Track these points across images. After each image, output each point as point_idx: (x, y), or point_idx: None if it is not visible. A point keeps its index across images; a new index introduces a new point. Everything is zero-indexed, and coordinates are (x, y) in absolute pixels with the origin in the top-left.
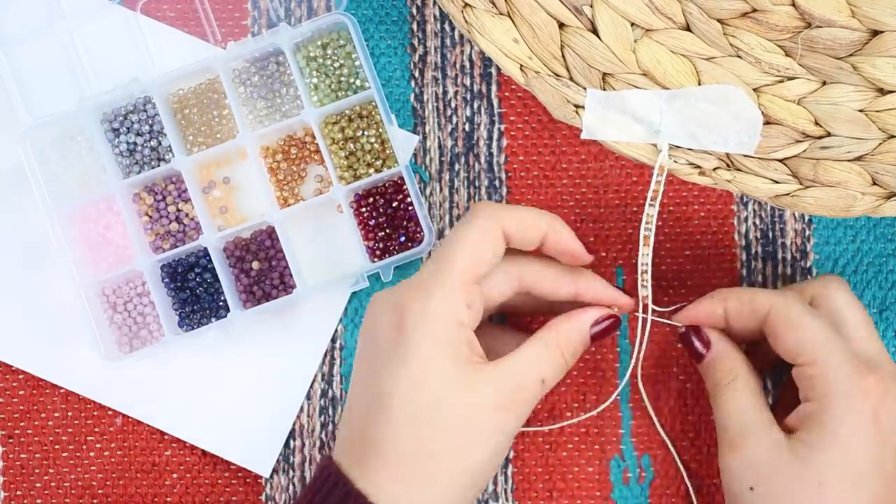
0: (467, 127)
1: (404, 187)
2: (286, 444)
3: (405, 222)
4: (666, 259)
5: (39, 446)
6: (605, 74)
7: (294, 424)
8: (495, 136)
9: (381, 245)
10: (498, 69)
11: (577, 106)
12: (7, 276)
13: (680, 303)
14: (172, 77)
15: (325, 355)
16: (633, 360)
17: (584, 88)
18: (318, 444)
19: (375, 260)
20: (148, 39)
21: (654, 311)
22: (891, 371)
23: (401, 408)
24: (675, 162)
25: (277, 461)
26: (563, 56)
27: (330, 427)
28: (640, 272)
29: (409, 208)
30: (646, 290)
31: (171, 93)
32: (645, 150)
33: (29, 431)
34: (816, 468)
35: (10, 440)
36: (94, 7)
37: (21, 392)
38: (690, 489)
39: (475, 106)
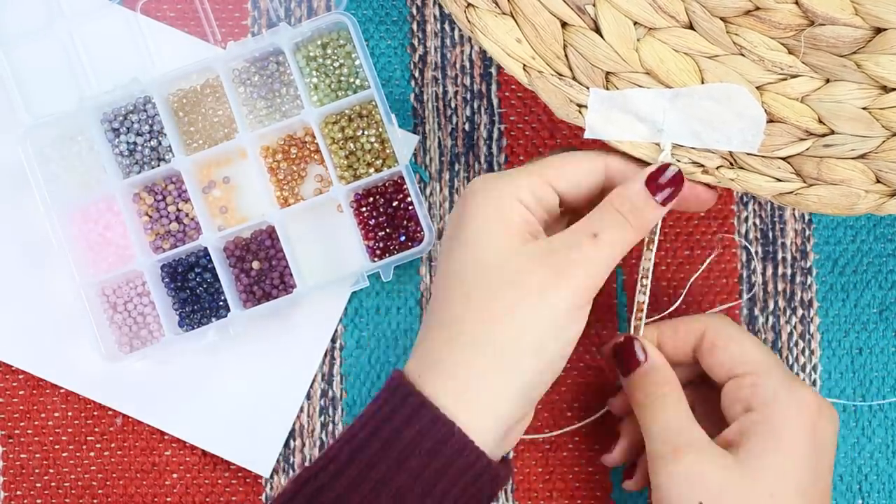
0: (467, 127)
1: (404, 187)
2: (286, 445)
3: (405, 222)
4: (666, 259)
5: (39, 446)
6: (608, 73)
7: (294, 424)
8: (495, 135)
9: (381, 244)
10: (498, 69)
11: (580, 105)
12: (7, 275)
13: (679, 307)
14: (172, 77)
15: (326, 355)
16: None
17: (588, 88)
18: (318, 444)
19: (376, 259)
20: (148, 39)
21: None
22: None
23: (457, 276)
24: (679, 161)
25: (277, 461)
26: (566, 55)
27: (330, 427)
28: (640, 276)
29: (410, 208)
30: (643, 296)
31: (171, 93)
32: (648, 150)
33: (29, 431)
34: (766, 479)
35: (10, 440)
36: (93, 7)
37: (21, 392)
38: None
39: (475, 106)
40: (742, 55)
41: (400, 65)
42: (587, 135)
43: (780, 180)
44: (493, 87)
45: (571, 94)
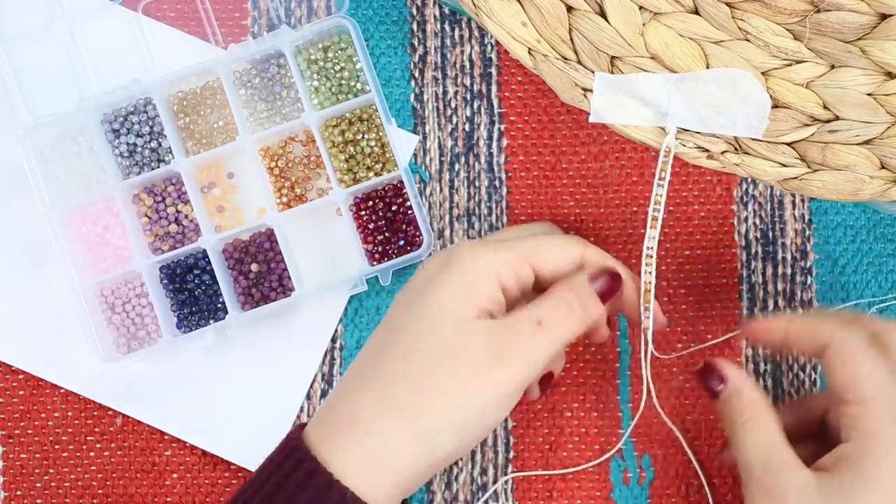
0: (467, 127)
1: (404, 191)
2: None
3: (404, 226)
4: (666, 259)
5: (39, 446)
6: (613, 58)
7: (294, 424)
8: (495, 135)
9: (380, 248)
10: (498, 69)
11: (585, 89)
12: (7, 275)
13: (680, 303)
14: (173, 78)
15: (326, 355)
16: (643, 346)
17: (593, 72)
18: None
19: (374, 263)
20: (149, 40)
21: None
22: None
23: (407, 331)
24: (683, 145)
25: None
26: (571, 39)
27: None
28: (644, 255)
29: (409, 212)
30: (650, 277)
31: (172, 94)
32: (653, 134)
33: (29, 431)
34: None
35: (10, 440)
36: (94, 7)
37: (21, 392)
38: (704, 483)
39: (475, 106)
40: (747, 40)
41: (400, 65)
42: (592, 118)
43: (784, 165)
44: (493, 88)
45: (576, 77)
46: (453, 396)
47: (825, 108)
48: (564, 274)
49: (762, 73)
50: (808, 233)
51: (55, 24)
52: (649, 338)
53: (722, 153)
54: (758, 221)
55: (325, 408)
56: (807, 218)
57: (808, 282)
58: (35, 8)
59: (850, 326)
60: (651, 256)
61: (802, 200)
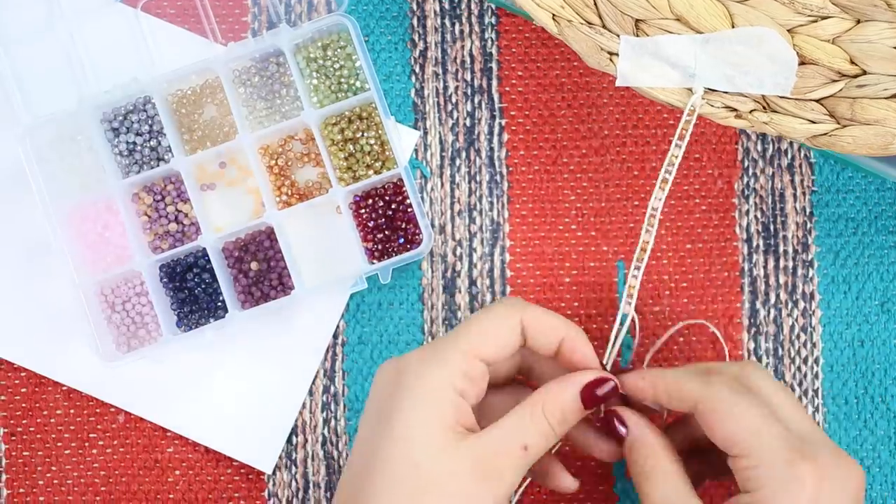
0: (468, 122)
1: (403, 189)
2: (288, 441)
3: (404, 224)
4: (667, 253)
5: (42, 444)
6: (637, 21)
7: (296, 421)
8: (496, 130)
9: (379, 247)
10: (499, 64)
11: (610, 53)
12: (8, 274)
13: (682, 297)
14: (172, 77)
15: (327, 351)
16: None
17: (618, 36)
18: (320, 440)
19: (374, 261)
20: (148, 37)
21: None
22: (828, 450)
23: (382, 470)
24: (711, 105)
25: (280, 457)
26: (595, 4)
27: (332, 423)
28: (647, 215)
29: (409, 210)
30: (649, 236)
31: (171, 93)
32: (680, 95)
33: (31, 429)
34: None
35: (13, 438)
36: (94, 5)
37: (23, 389)
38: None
39: (476, 101)
40: None
41: (400, 60)
42: (619, 82)
43: (813, 122)
44: (494, 83)
45: (602, 42)
46: None
47: (852, 63)
48: (514, 347)
49: (788, 31)
50: (809, 225)
51: (54, 24)
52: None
53: (750, 112)
54: (759, 214)
55: None
56: (808, 210)
57: (810, 275)
58: (33, 7)
59: (710, 381)
60: (654, 217)
61: (804, 193)
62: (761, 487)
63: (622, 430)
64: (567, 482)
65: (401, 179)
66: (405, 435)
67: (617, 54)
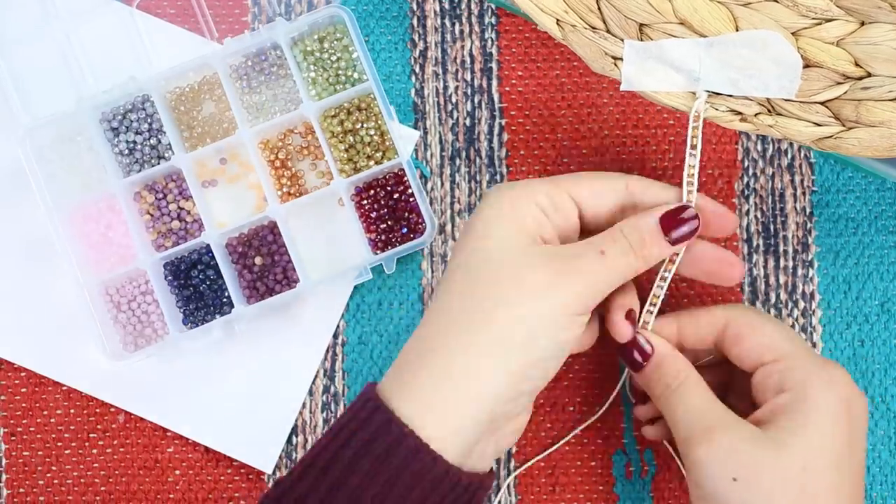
0: (468, 122)
1: (405, 179)
2: (288, 441)
3: (407, 213)
4: None
5: (42, 443)
6: (641, 25)
7: (296, 421)
8: (496, 130)
9: (383, 237)
10: (499, 64)
11: (615, 58)
12: (11, 275)
13: (682, 297)
14: (170, 75)
15: (327, 351)
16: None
17: (622, 40)
18: None
19: (378, 252)
20: (144, 36)
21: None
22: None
23: (458, 264)
24: (716, 109)
25: (280, 457)
26: (598, 8)
27: (332, 423)
28: (685, 187)
29: (411, 199)
30: (692, 196)
31: (169, 90)
32: (685, 99)
33: (31, 429)
34: (799, 453)
35: (13, 437)
36: (89, 5)
37: (23, 389)
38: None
39: (476, 101)
40: (776, 1)
41: (401, 60)
42: (624, 87)
43: (819, 125)
44: (494, 83)
45: (606, 46)
46: (519, 310)
47: (857, 65)
48: (612, 210)
49: (792, 34)
50: (809, 225)
51: (50, 25)
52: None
53: (755, 115)
54: (759, 215)
55: (399, 354)
56: (808, 211)
57: (810, 275)
58: (28, 8)
59: (733, 305)
60: (693, 181)
61: (804, 193)
62: (800, 385)
63: (648, 348)
64: (623, 329)
65: (402, 170)
66: (482, 233)
67: (621, 59)
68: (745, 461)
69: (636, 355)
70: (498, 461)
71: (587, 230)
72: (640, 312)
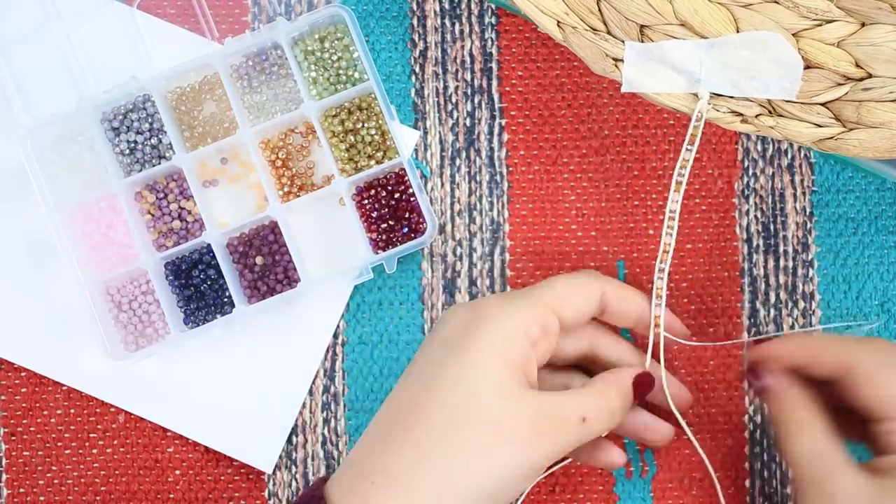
0: (468, 122)
1: (406, 178)
2: (289, 441)
3: (408, 213)
4: None
5: (42, 443)
6: (642, 27)
7: (296, 420)
8: (496, 130)
9: (384, 237)
10: (499, 64)
11: (615, 60)
12: (12, 275)
13: (682, 297)
14: (171, 74)
15: (328, 351)
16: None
17: (623, 42)
18: (320, 440)
19: (379, 252)
20: (145, 36)
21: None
22: None
23: (444, 391)
24: (717, 110)
25: (280, 457)
26: (599, 10)
27: (332, 423)
28: (667, 217)
29: (412, 199)
30: (670, 238)
31: (170, 90)
32: (686, 101)
33: (32, 429)
34: None
35: (13, 437)
36: (90, 5)
37: (24, 389)
38: (715, 479)
39: (476, 101)
40: (776, 2)
41: (401, 60)
42: (624, 88)
43: (819, 126)
44: (494, 83)
45: (607, 48)
46: (499, 461)
47: (858, 66)
48: (588, 316)
49: (793, 35)
50: (809, 225)
51: (50, 25)
52: (661, 322)
53: (756, 116)
54: (759, 214)
55: (352, 461)
56: (808, 210)
57: (810, 275)
58: (28, 8)
59: (858, 346)
60: (673, 219)
61: (804, 193)
62: None
63: (768, 381)
64: (614, 455)
65: (403, 169)
66: (473, 364)
67: (622, 60)
68: None
69: (756, 380)
70: None
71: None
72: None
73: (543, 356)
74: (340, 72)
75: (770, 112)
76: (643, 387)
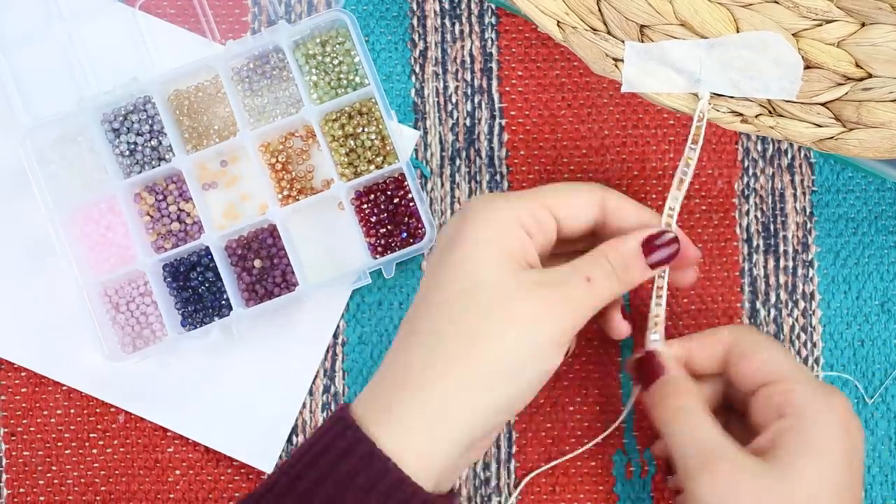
0: (468, 122)
1: (405, 183)
2: (289, 440)
3: (406, 218)
4: None
5: (42, 443)
6: (642, 27)
7: (296, 420)
8: (496, 130)
9: (382, 241)
10: (499, 64)
11: (616, 60)
12: (11, 275)
13: (682, 297)
14: (172, 76)
15: (328, 351)
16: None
17: (623, 42)
18: None
19: (377, 256)
20: (147, 38)
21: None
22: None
23: (443, 288)
24: (717, 110)
25: (280, 457)
26: (599, 10)
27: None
28: (665, 215)
29: (411, 204)
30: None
31: (171, 92)
32: (686, 100)
33: (32, 429)
34: (804, 482)
35: (13, 437)
36: (93, 6)
37: (24, 389)
38: None
39: (476, 101)
40: (776, 2)
41: (400, 60)
42: (624, 89)
43: (819, 126)
44: (494, 83)
45: (607, 48)
46: (508, 342)
47: (858, 66)
48: (587, 224)
49: (793, 35)
50: (809, 225)
51: (52, 25)
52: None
53: (756, 116)
54: (759, 214)
55: (374, 378)
56: (808, 210)
57: (810, 275)
58: (32, 9)
59: (735, 326)
60: (672, 217)
61: (804, 193)
62: (800, 410)
63: (662, 365)
64: (622, 327)
65: (402, 174)
66: (468, 256)
67: (622, 60)
68: (747, 495)
69: (649, 371)
70: (498, 462)
71: (560, 240)
72: (646, 332)
73: (542, 246)
74: (341, 76)
75: (770, 112)
76: (656, 248)
